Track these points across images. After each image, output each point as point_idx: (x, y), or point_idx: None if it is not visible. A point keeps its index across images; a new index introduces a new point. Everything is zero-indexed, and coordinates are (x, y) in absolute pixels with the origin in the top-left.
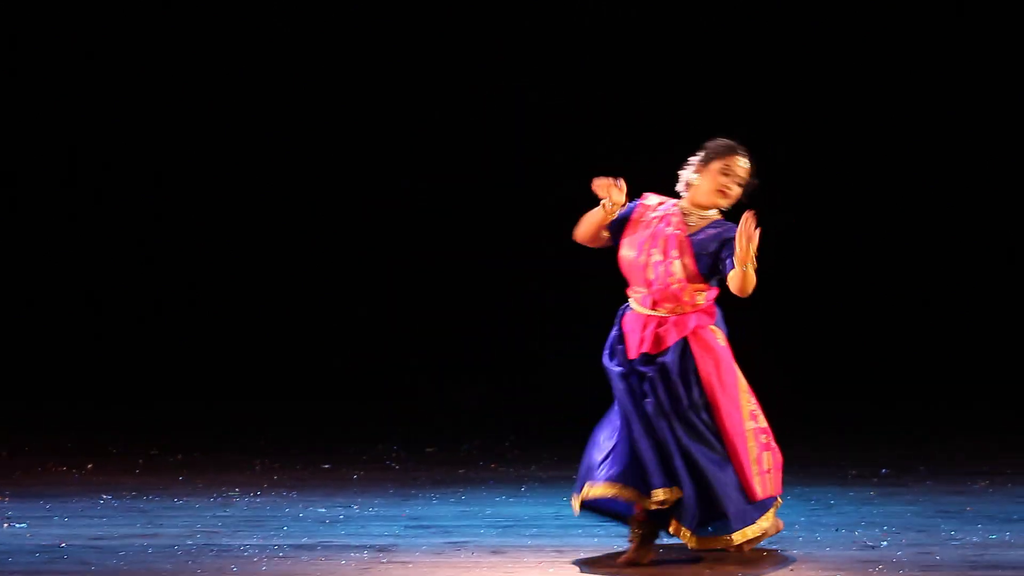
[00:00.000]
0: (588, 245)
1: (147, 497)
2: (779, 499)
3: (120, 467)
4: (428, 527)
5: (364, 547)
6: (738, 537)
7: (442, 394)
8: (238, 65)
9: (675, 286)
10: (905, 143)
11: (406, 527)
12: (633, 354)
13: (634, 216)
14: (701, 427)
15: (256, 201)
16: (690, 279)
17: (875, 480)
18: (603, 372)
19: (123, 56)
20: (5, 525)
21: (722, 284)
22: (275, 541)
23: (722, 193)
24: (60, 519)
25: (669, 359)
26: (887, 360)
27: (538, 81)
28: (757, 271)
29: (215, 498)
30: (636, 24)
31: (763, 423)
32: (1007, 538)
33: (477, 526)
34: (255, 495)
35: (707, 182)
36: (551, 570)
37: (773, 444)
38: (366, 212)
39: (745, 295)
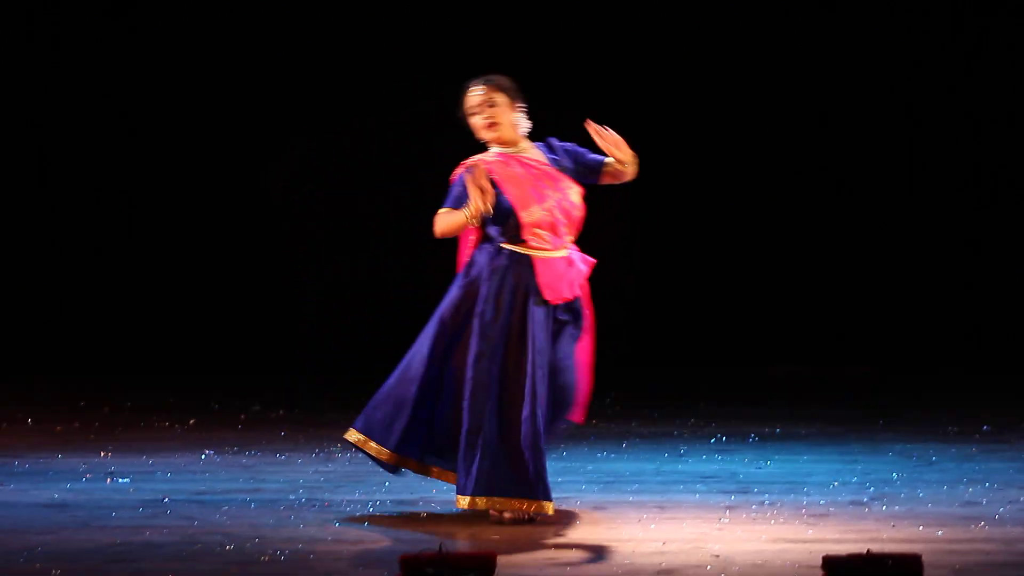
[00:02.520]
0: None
1: (249, 452)
2: None
3: (222, 423)
4: None
5: None
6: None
7: None
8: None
9: (576, 212)
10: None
11: None
12: (558, 299)
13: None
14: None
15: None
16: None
17: (977, 437)
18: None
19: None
20: (108, 480)
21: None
22: (377, 496)
23: (485, 127)
24: (163, 474)
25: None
26: (986, 323)
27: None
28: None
29: (317, 454)
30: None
31: None
32: None
33: (579, 482)
34: (357, 451)
35: (474, 128)
36: (652, 526)
37: None
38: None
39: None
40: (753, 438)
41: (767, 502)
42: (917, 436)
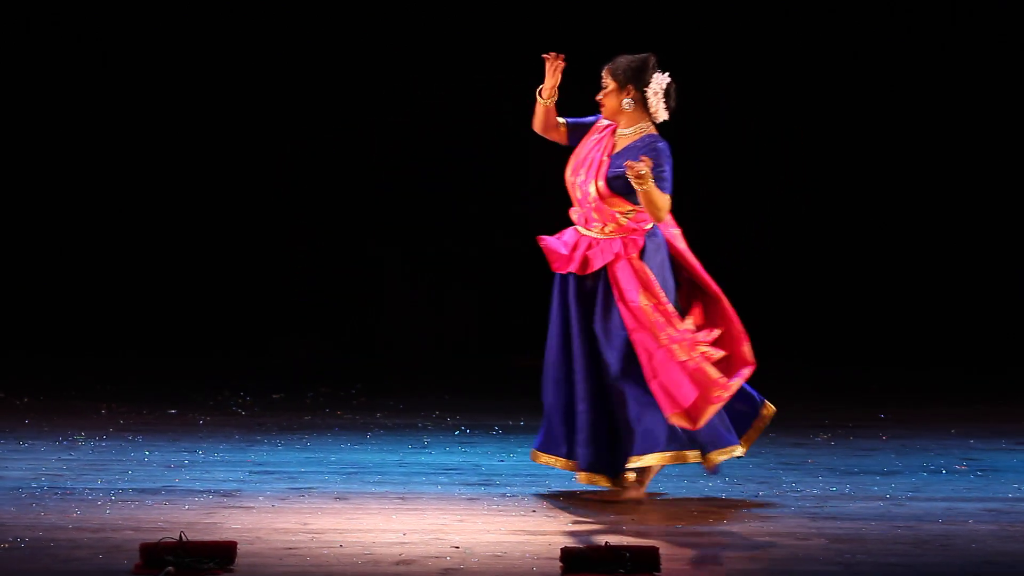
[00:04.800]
0: (545, 136)
1: None
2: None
3: None
4: (272, 473)
5: (208, 492)
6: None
7: (280, 346)
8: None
9: (592, 205)
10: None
11: (251, 472)
12: (563, 270)
13: (588, 134)
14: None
15: (110, 157)
16: (603, 198)
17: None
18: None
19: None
20: None
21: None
22: (119, 485)
23: (600, 105)
24: None
25: (589, 285)
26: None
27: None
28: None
29: (60, 441)
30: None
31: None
32: (847, 490)
33: (321, 472)
34: (100, 439)
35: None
36: (394, 516)
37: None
38: (205, 171)
39: (658, 217)
40: (496, 430)
41: (508, 494)
42: None
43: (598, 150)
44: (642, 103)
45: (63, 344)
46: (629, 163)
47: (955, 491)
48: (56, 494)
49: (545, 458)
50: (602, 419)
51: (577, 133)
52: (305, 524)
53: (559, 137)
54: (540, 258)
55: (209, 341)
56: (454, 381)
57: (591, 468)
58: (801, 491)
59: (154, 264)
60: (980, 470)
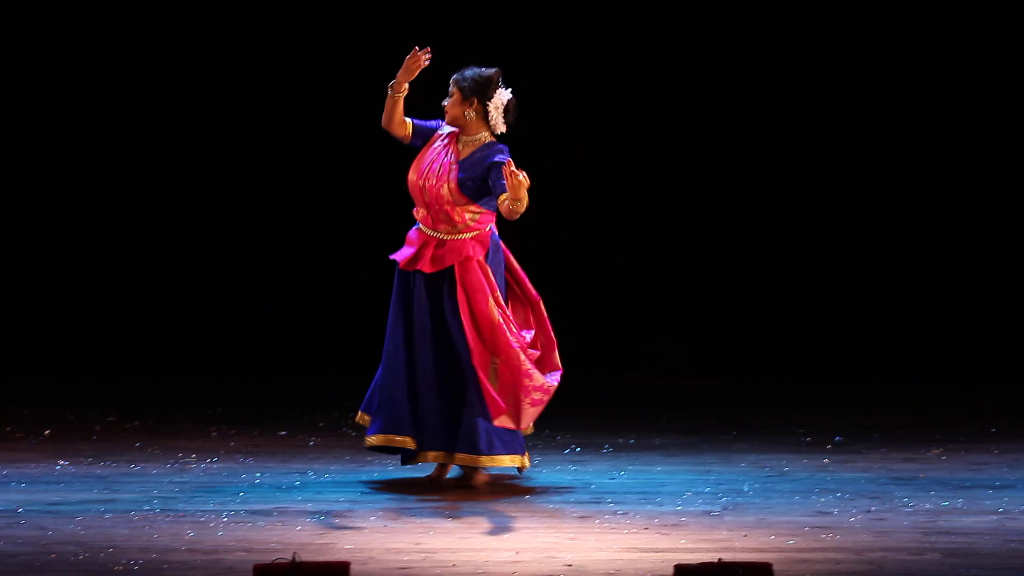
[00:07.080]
0: (390, 131)
1: (104, 463)
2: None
3: (77, 434)
4: (384, 492)
5: (320, 512)
6: (485, 461)
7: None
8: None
9: (446, 207)
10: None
11: (362, 493)
12: (410, 267)
13: (432, 139)
14: (449, 352)
15: (218, 173)
16: (456, 202)
17: (829, 447)
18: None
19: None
20: None
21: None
22: (231, 506)
23: (445, 112)
24: (17, 485)
25: (435, 283)
26: (843, 336)
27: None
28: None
29: (171, 464)
30: None
31: (519, 362)
32: (959, 505)
33: (432, 491)
34: (211, 461)
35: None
36: (507, 535)
37: (529, 383)
38: (327, 189)
39: (520, 211)
40: (607, 448)
41: (620, 512)
42: (770, 447)
43: (444, 155)
44: (483, 115)
45: (172, 367)
46: (510, 171)
47: None
48: (169, 516)
49: (390, 439)
50: (446, 404)
51: (420, 136)
52: (417, 544)
53: (403, 134)
54: (641, 276)
55: (319, 362)
56: (562, 398)
57: (434, 447)
58: (914, 506)
59: (261, 286)
60: None
